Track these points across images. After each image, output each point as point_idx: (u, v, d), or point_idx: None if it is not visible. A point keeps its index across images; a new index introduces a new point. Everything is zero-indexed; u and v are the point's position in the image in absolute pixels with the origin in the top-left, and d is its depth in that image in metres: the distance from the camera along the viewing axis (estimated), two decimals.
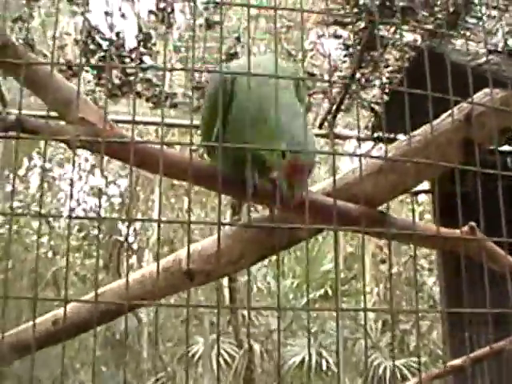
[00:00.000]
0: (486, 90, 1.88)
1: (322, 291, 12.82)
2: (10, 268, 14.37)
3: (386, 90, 6.83)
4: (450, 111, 1.79)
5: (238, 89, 2.04)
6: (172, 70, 6.50)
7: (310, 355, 10.85)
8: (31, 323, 2.64)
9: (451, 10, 5.99)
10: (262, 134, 1.88)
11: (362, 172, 1.65)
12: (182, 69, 6.12)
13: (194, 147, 1.95)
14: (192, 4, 10.29)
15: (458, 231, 1.86)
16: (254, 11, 8.31)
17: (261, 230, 2.12)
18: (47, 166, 14.69)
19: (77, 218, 12.44)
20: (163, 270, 2.38)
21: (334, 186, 1.41)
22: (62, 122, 1.68)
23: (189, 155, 1.55)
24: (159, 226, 1.47)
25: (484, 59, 5.50)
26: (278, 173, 1.89)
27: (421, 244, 2.01)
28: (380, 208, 2.02)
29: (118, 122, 9.19)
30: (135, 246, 14.88)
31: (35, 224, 15.42)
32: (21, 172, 15.38)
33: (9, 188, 14.72)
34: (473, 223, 2.07)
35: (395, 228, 1.90)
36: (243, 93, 1.99)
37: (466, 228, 2.07)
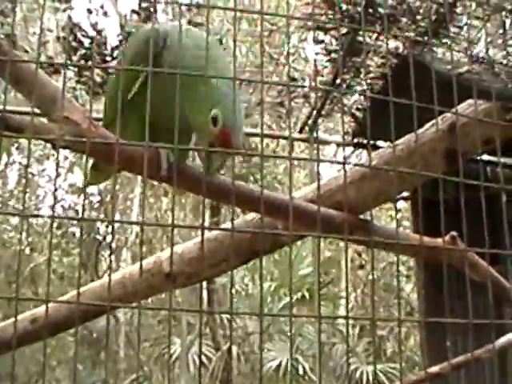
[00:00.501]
0: (470, 101, 1.89)
1: (299, 295, 12.82)
2: None
3: (368, 96, 6.86)
4: (433, 121, 1.81)
5: (171, 45, 1.88)
6: (156, 71, 6.48)
7: (289, 361, 10.84)
8: (10, 321, 2.62)
9: (434, 18, 6.02)
10: (193, 96, 1.76)
11: (346, 179, 1.65)
12: (164, 70, 6.04)
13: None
14: (175, 5, 10.28)
15: (440, 240, 1.87)
16: (237, 14, 8.32)
17: (244, 235, 2.12)
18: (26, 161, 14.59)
19: (59, 217, 12.42)
20: (144, 271, 2.37)
21: (318, 192, 1.41)
22: (45, 121, 1.67)
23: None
24: (142, 230, 1.47)
25: (466, 68, 5.54)
26: (201, 141, 1.81)
27: (403, 252, 2.01)
28: (363, 216, 2.02)
29: (99, 120, 9.15)
30: (113, 245, 14.79)
31: (13, 220, 15.32)
32: None
33: None
34: (454, 233, 2.08)
35: (378, 236, 1.90)
36: (175, 51, 1.82)
37: (447, 237, 2.08)
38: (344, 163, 1.49)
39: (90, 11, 8.02)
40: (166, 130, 1.71)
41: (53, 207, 1.43)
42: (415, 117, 1.49)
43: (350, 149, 7.46)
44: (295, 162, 12.70)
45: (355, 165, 2.19)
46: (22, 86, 1.63)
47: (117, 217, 15.23)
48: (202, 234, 1.39)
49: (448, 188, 1.60)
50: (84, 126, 1.59)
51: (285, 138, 8.04)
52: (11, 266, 13.79)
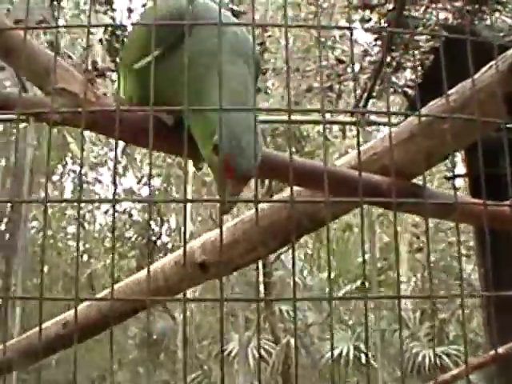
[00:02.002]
0: None
1: (358, 283, 12.61)
2: (46, 273, 14.45)
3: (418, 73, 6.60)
4: (491, 63, 1.55)
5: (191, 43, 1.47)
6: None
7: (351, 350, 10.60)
8: (45, 325, 2.46)
9: None
10: (196, 103, 1.47)
11: (391, 140, 1.38)
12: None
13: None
14: None
15: (506, 204, 1.61)
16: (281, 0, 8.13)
17: (280, 213, 1.89)
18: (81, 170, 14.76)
19: (123, 200, 12.35)
20: (176, 263, 2.17)
21: (358, 156, 1.16)
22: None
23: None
24: (185, 207, 1.23)
25: None
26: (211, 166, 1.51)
27: (464, 219, 1.74)
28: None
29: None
30: (169, 246, 14.79)
31: (70, 229, 15.48)
32: (55, 178, 15.45)
33: (43, 194, 14.77)
34: None
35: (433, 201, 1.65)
36: (196, 41, 1.49)
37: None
38: (390, 124, 1.24)
39: (130, 10, 7.93)
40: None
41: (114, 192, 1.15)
42: (470, 58, 1.23)
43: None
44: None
45: (399, 113, 1.92)
46: (13, 57, 1.43)
47: (172, 217, 15.23)
48: (257, 209, 1.12)
49: (501, 161, 1.34)
50: (82, 97, 1.37)
51: (335, 122, 7.74)
52: (68, 274, 13.89)
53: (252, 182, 1.43)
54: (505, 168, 1.20)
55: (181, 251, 2.24)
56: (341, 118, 6.92)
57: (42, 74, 1.43)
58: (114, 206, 1.12)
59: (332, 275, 12.89)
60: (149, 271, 2.02)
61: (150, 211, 13.26)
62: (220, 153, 1.41)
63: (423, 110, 1.70)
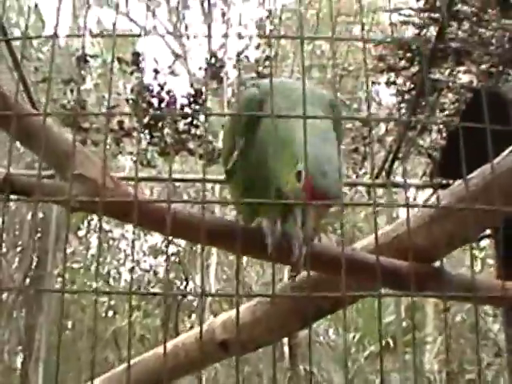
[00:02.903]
0: None
1: (383, 343, 12.40)
2: (70, 328, 14.42)
3: (443, 135, 6.59)
4: None
5: (266, 109, 1.79)
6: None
7: None
8: None
9: (507, 46, 5.73)
10: (282, 158, 1.64)
11: (409, 222, 1.36)
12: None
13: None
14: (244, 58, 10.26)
15: None
16: (306, 62, 8.22)
17: (300, 297, 1.87)
18: (106, 227, 14.81)
19: (138, 293, 12.28)
20: (196, 340, 2.14)
21: (375, 240, 1.14)
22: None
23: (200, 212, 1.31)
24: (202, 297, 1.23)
25: None
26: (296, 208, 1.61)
27: (483, 303, 1.71)
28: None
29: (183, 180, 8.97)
30: (194, 304, 14.69)
31: (94, 284, 15.47)
32: (81, 233, 15.54)
33: (69, 250, 14.84)
34: None
35: (453, 285, 1.62)
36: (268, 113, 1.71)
37: None
38: (407, 206, 1.23)
39: (156, 71, 8.07)
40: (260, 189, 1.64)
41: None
42: (490, 143, 1.22)
43: (429, 191, 7.17)
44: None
45: (422, 206, 1.90)
46: (33, 141, 1.44)
47: (198, 275, 15.19)
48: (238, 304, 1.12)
49: None
50: (101, 183, 1.38)
51: (365, 184, 7.74)
52: (92, 329, 13.83)
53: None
54: None
55: (202, 327, 2.22)
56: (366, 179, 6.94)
57: (61, 159, 1.44)
58: (130, 302, 1.12)
59: (358, 336, 12.72)
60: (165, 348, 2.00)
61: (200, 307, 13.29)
62: (303, 176, 1.55)
63: (445, 193, 1.68)
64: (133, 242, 15.15)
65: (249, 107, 1.79)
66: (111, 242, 15.55)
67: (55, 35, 1.21)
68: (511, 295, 1.58)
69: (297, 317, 1.93)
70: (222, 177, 2.13)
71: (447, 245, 1.62)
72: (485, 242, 9.57)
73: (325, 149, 1.57)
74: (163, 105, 7.65)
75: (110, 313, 15.06)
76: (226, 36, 4.59)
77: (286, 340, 10.95)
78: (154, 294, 12.26)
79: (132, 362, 2.31)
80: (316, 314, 1.93)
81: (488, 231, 6.65)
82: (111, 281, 15.64)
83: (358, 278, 1.44)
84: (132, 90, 8.31)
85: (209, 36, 6.03)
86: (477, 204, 1.39)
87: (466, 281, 1.64)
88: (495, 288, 1.64)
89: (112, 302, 15.05)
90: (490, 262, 10.46)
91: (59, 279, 14.38)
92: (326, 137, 1.63)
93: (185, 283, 14.50)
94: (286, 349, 11.31)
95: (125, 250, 15.70)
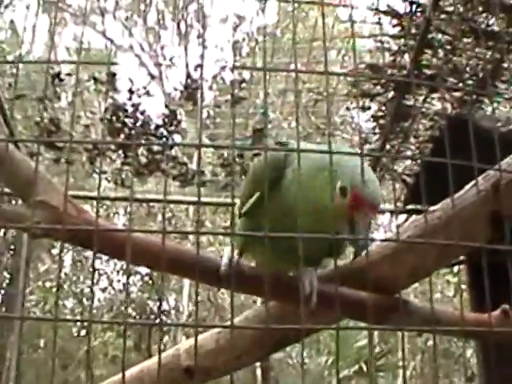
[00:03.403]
0: None
1: (356, 367, 12.40)
2: (42, 347, 14.26)
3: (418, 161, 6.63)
4: (474, 181, 1.55)
5: (290, 171, 1.86)
6: (202, 146, 6.34)
7: None
8: None
9: (480, 75, 5.80)
10: (320, 183, 1.73)
11: (368, 255, 1.35)
12: (211, 145, 6.03)
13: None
14: (220, 80, 10.28)
15: (483, 316, 1.58)
16: (281, 85, 8.24)
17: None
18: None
19: (97, 322, 12.13)
20: (162, 365, 2.12)
21: (335, 270, 1.13)
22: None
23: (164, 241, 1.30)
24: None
25: None
26: (340, 221, 1.69)
27: (446, 334, 1.73)
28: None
29: (147, 201, 9.00)
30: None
31: (67, 303, 15.33)
32: (54, 251, 15.41)
33: (42, 268, 14.71)
34: (506, 306, 1.79)
35: (416, 317, 1.63)
36: (294, 176, 1.80)
37: (497, 312, 1.78)
38: (366, 238, 1.23)
39: (131, 91, 8.05)
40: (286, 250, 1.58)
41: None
42: (451, 176, 1.24)
43: (403, 217, 7.18)
44: None
45: (383, 240, 1.92)
46: None
47: (171, 296, 15.11)
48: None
49: (502, 252, 1.33)
50: (62, 210, 1.37)
51: None
52: (64, 350, 13.68)
53: None
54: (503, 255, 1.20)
55: (168, 353, 2.20)
56: None
57: (23, 185, 1.43)
58: (88, 330, 1.11)
59: (330, 360, 12.72)
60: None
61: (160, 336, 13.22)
62: (347, 190, 1.67)
63: (407, 224, 1.69)
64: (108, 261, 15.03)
65: (268, 169, 1.83)
66: (84, 260, 15.43)
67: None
68: (471, 326, 1.59)
69: (260, 345, 1.93)
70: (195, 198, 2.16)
71: (410, 276, 1.64)
72: (458, 268, 9.62)
73: (357, 163, 1.64)
74: (137, 124, 7.64)
75: (83, 332, 14.91)
76: (202, 57, 4.59)
77: (258, 363, 10.89)
78: (112, 323, 12.18)
79: None
80: (281, 342, 1.93)
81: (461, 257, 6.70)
82: (84, 300, 15.51)
83: (322, 309, 1.44)
84: (106, 110, 8.28)
85: (185, 56, 6.03)
86: (438, 237, 1.40)
87: (428, 313, 1.65)
88: (456, 320, 1.65)
89: (85, 323, 14.92)
90: (464, 286, 10.53)
91: (32, 297, 14.25)
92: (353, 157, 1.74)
93: (158, 304, 14.40)
94: (259, 372, 11.26)
95: (98, 269, 15.59)
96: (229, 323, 2.05)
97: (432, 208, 1.62)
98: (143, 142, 8.21)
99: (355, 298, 1.59)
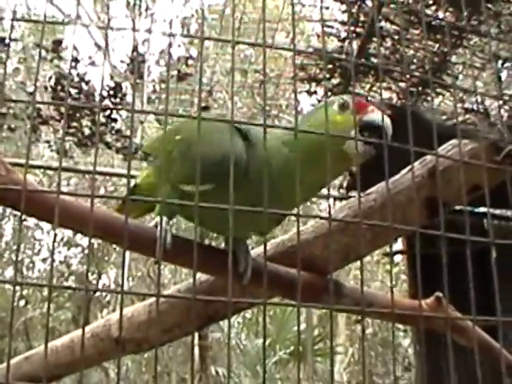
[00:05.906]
0: (454, 141, 1.65)
1: (292, 348, 12.51)
2: None
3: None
4: (410, 166, 1.57)
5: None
6: (141, 112, 6.25)
7: None
8: None
9: (427, 68, 5.85)
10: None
11: (299, 233, 1.34)
12: (152, 112, 5.93)
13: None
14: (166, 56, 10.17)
15: (416, 303, 1.61)
16: (228, 65, 8.21)
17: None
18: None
19: (58, 286, 11.95)
20: (92, 335, 2.11)
21: (264, 248, 1.12)
22: None
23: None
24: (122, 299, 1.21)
25: (461, 119, 5.33)
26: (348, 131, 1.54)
27: (378, 318, 1.75)
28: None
29: (76, 171, 8.87)
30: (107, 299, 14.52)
31: (7, 273, 15.10)
32: None
33: None
34: (439, 294, 1.82)
35: (349, 299, 1.65)
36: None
37: (431, 299, 1.83)
38: (298, 215, 1.24)
39: (76, 60, 7.90)
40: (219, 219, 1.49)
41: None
42: (386, 160, 1.25)
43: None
44: None
45: (312, 217, 1.93)
46: None
47: (112, 271, 15.02)
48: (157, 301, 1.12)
49: (438, 242, 1.34)
50: None
51: None
52: (3, 319, 13.46)
53: None
54: (440, 248, 1.22)
55: (99, 323, 2.19)
56: None
57: None
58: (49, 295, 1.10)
59: (268, 341, 12.78)
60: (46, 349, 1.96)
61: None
62: (348, 102, 1.58)
63: (342, 205, 1.71)
64: (49, 232, 14.84)
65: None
66: (25, 230, 15.17)
67: None
68: (401, 311, 1.62)
69: (191, 319, 1.92)
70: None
71: (343, 258, 1.65)
72: (399, 257, 9.76)
73: None
74: (82, 95, 7.51)
75: (22, 302, 14.70)
76: (149, 31, 4.51)
77: (196, 341, 10.91)
78: (74, 289, 12.00)
79: (30, 352, 2.29)
80: (212, 317, 1.93)
81: (401, 247, 6.79)
82: (24, 270, 15.30)
83: (254, 285, 1.45)
84: (50, 78, 8.10)
85: (133, 29, 5.93)
86: (372, 219, 1.41)
87: (359, 294, 1.67)
88: (389, 304, 1.67)
89: (24, 292, 14.72)
90: (404, 277, 10.71)
91: None
92: None
93: (97, 277, 14.29)
94: (197, 350, 11.26)
95: (40, 240, 15.39)
96: None
97: (368, 191, 1.64)
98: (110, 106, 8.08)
99: (286, 276, 1.60)
